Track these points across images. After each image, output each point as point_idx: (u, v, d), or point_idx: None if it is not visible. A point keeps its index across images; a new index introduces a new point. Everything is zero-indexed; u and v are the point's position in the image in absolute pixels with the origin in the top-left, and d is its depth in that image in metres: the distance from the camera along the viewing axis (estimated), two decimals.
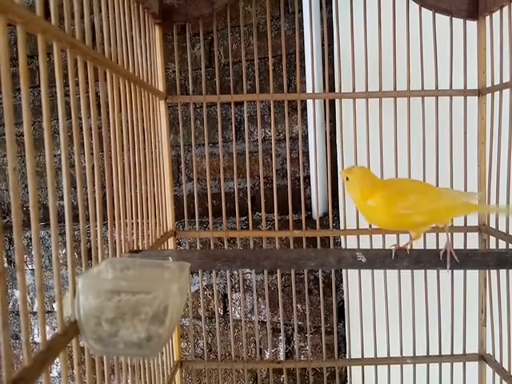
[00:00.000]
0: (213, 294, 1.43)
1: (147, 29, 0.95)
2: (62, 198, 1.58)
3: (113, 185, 0.72)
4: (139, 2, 0.89)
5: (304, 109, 1.40)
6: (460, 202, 0.78)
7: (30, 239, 1.53)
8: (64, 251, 1.33)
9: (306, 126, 1.42)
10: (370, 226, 1.04)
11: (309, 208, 1.41)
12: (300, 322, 1.38)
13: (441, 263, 0.75)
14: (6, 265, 1.60)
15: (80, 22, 0.60)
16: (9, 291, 1.64)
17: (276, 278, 1.36)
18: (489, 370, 1.02)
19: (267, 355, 1.41)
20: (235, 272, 1.40)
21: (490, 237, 0.99)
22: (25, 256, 1.58)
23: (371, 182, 0.76)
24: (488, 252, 0.81)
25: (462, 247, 1.02)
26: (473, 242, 1.03)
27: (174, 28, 1.05)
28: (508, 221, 0.91)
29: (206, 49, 1.50)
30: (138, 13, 0.89)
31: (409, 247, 0.77)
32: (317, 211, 1.11)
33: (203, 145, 1.48)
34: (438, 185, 1.00)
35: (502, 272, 0.93)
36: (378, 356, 1.08)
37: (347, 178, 0.76)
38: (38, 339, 1.57)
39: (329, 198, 1.07)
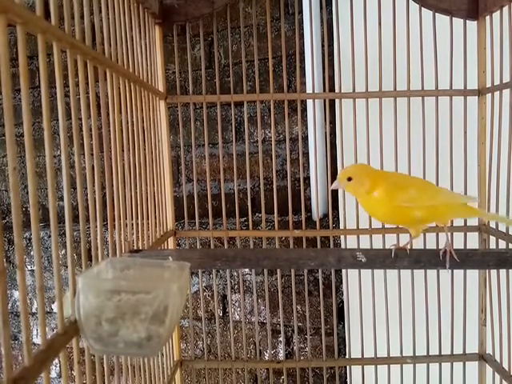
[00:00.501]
0: (212, 294, 1.43)
1: (147, 29, 0.95)
2: (61, 199, 1.58)
3: (113, 185, 0.72)
4: (139, 2, 0.89)
5: (304, 110, 1.40)
6: (459, 202, 0.78)
7: (30, 240, 1.53)
8: (64, 252, 1.33)
9: (306, 127, 1.42)
10: (370, 225, 1.04)
11: (309, 209, 1.41)
12: (300, 324, 1.38)
13: (441, 263, 0.75)
14: (5, 265, 1.59)
15: (80, 21, 0.60)
16: (8, 292, 1.64)
17: (276, 278, 1.36)
18: (489, 369, 1.02)
19: (267, 356, 1.41)
20: (235, 273, 1.40)
21: (490, 236, 0.99)
22: (24, 257, 1.58)
23: (374, 175, 0.76)
24: (488, 252, 0.81)
25: (462, 247, 1.02)
26: (473, 241, 1.03)
27: (174, 28, 1.05)
28: None
29: (206, 49, 1.51)
30: (138, 13, 0.89)
31: (409, 247, 0.77)
32: (317, 212, 1.11)
33: (203, 145, 1.48)
34: (437, 185, 1.00)
35: (502, 272, 0.93)
36: (377, 356, 1.08)
37: (349, 179, 0.74)
38: (36, 340, 1.57)
39: (329, 199, 1.07)
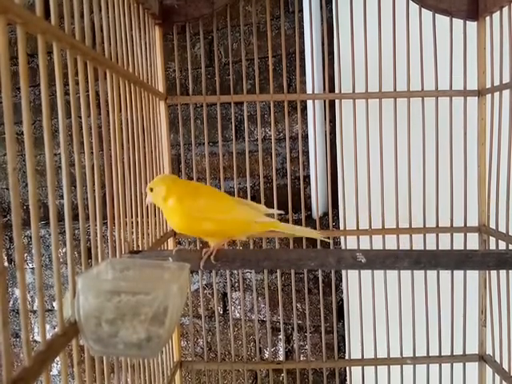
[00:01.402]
0: (212, 292, 1.43)
1: (147, 29, 0.94)
2: (62, 197, 1.58)
3: (113, 184, 0.72)
4: (139, 3, 0.89)
5: (304, 108, 1.40)
6: (252, 219, 0.77)
7: (30, 238, 1.53)
8: (64, 250, 1.33)
9: (306, 126, 1.42)
10: (370, 226, 1.04)
11: (309, 207, 1.41)
12: (299, 321, 1.38)
13: (441, 263, 0.74)
14: (6, 263, 1.60)
15: (80, 22, 0.60)
16: (9, 290, 1.65)
17: (276, 277, 1.36)
18: (489, 370, 1.02)
19: (267, 354, 1.41)
20: (235, 271, 1.40)
21: (490, 237, 0.99)
22: (25, 255, 1.58)
23: (171, 184, 0.75)
24: (488, 252, 0.80)
25: (462, 247, 1.02)
26: (473, 242, 1.03)
27: (174, 28, 1.04)
28: (508, 221, 0.91)
29: (206, 48, 1.50)
30: (138, 13, 0.89)
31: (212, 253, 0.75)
32: (317, 210, 1.10)
33: (203, 144, 1.48)
34: (437, 186, 1.01)
35: (502, 272, 0.93)
36: (377, 357, 1.08)
37: (151, 190, 0.75)
38: (38, 337, 1.57)
39: (329, 197, 1.07)
